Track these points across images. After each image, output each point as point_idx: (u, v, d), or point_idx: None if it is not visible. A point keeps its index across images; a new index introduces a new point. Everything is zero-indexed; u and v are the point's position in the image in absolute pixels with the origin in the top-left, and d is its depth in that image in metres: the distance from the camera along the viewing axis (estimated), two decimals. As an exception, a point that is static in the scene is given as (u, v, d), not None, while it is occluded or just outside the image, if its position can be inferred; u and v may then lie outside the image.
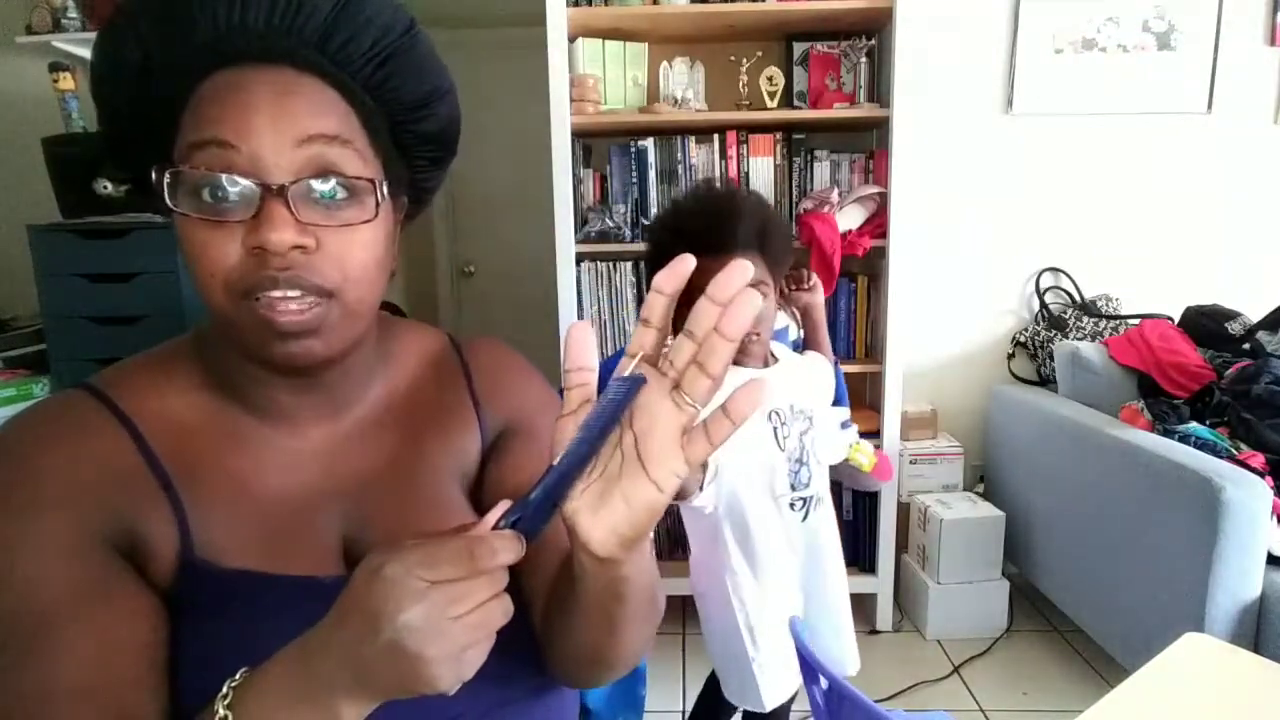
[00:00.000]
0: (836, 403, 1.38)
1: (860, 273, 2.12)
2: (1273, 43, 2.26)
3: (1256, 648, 1.51)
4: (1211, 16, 2.22)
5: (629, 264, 2.05)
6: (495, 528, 0.44)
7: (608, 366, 1.28)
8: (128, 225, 1.91)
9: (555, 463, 0.44)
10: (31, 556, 0.49)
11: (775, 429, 1.21)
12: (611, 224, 2.04)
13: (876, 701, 1.12)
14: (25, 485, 0.51)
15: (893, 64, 1.92)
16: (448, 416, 0.69)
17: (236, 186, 0.50)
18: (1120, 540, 1.77)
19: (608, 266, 2.05)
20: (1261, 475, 1.55)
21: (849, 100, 2.04)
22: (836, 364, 1.41)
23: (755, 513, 1.21)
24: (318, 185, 0.52)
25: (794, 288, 1.36)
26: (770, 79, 2.01)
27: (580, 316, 2.04)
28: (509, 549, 0.43)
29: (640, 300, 2.07)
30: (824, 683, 0.98)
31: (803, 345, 1.41)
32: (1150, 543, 1.67)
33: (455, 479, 0.67)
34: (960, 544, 2.08)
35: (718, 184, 1.24)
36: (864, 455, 1.40)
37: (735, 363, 1.25)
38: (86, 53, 2.27)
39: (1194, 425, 1.77)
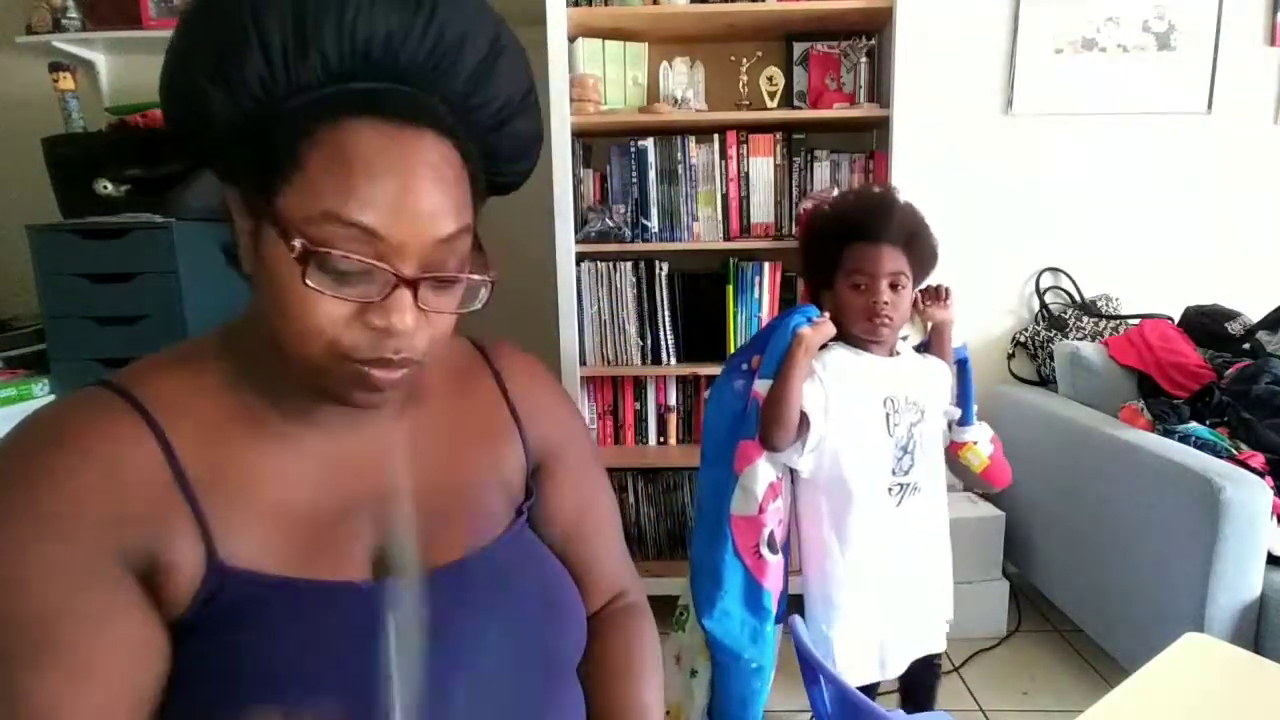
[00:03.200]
0: (964, 404, 1.46)
1: (860, 273, 2.12)
2: (1273, 43, 2.25)
3: (1256, 648, 1.51)
4: (1211, 16, 2.22)
5: (629, 264, 2.05)
6: None
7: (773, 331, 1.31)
8: (128, 225, 1.91)
9: None
10: (43, 575, 0.48)
11: (888, 415, 1.28)
12: (611, 224, 2.04)
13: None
14: (48, 501, 0.49)
15: (893, 64, 1.92)
16: (484, 423, 0.68)
17: (374, 273, 0.50)
18: (1120, 540, 1.77)
19: (608, 266, 2.05)
20: (1261, 475, 1.54)
21: (849, 100, 2.04)
22: (967, 365, 1.46)
23: (856, 492, 1.28)
24: (446, 282, 0.54)
25: (929, 303, 1.38)
26: (770, 79, 2.01)
27: (580, 316, 2.04)
28: None
29: (640, 300, 2.07)
30: (825, 685, 0.98)
31: (925, 350, 1.44)
32: (1150, 543, 1.67)
33: (497, 488, 0.67)
34: (960, 544, 2.07)
35: (877, 187, 1.33)
36: (975, 456, 1.45)
37: (862, 348, 1.29)
38: (87, 53, 2.27)
39: (1194, 425, 1.77)
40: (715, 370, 2.08)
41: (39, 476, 0.49)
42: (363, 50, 0.51)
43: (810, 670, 1.00)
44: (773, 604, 1.33)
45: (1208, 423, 1.80)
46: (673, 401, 2.18)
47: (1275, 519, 1.53)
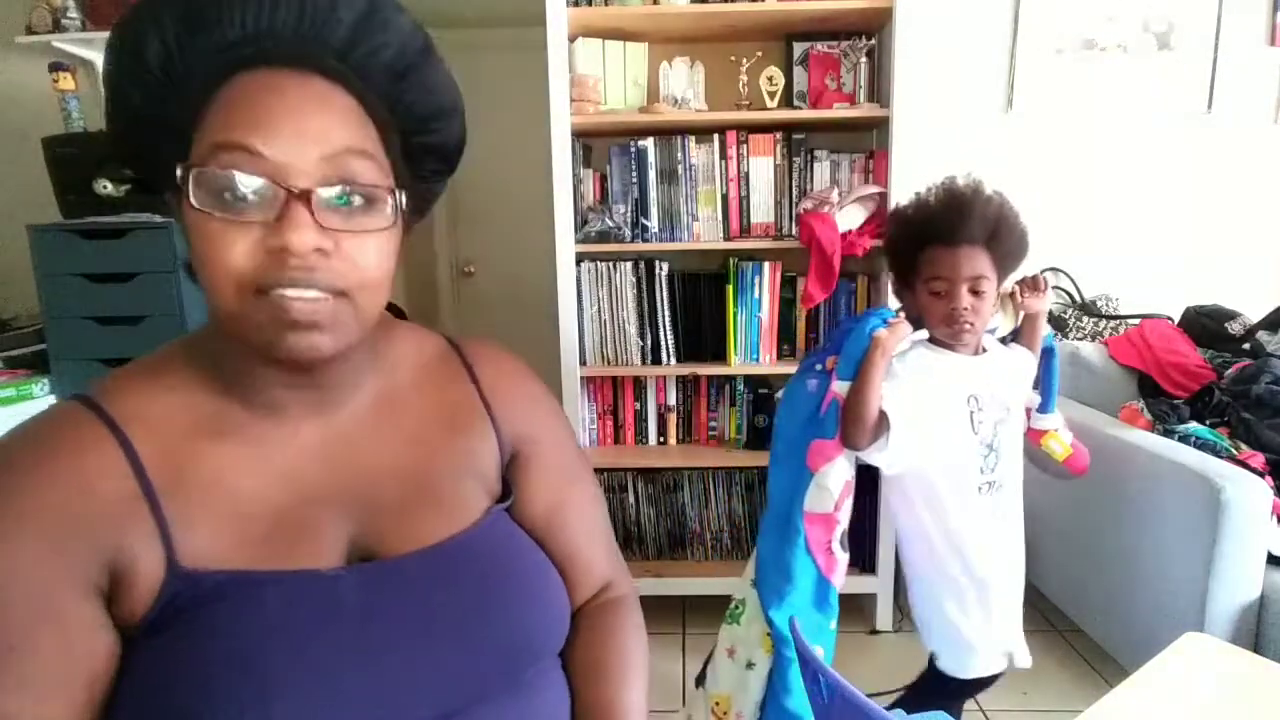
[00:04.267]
0: (1046, 391, 1.41)
1: (860, 272, 2.11)
2: (1273, 43, 2.26)
3: (1256, 648, 1.51)
4: (1211, 16, 2.22)
5: (629, 264, 2.05)
6: None
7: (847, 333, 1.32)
8: (128, 225, 1.91)
9: None
10: (7, 583, 0.50)
11: (971, 413, 1.25)
12: (611, 224, 2.04)
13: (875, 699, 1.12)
14: (14, 512, 0.51)
15: (893, 64, 1.92)
16: (455, 415, 0.69)
17: (260, 188, 0.52)
18: (1120, 540, 1.77)
19: (608, 266, 2.05)
20: (1261, 475, 1.55)
21: (849, 100, 2.04)
22: (1054, 353, 1.43)
23: (944, 490, 1.27)
24: (340, 192, 0.54)
25: (1028, 294, 1.34)
26: (770, 79, 2.01)
27: (580, 316, 2.04)
28: None
29: (640, 300, 2.07)
30: (824, 683, 0.98)
31: (1012, 340, 1.41)
32: (1150, 543, 1.67)
33: (470, 478, 0.68)
34: (960, 544, 2.08)
35: (960, 180, 1.29)
36: (1057, 443, 1.41)
37: (948, 349, 1.27)
38: (86, 53, 2.27)
39: (1194, 425, 1.77)
40: (715, 370, 2.09)
41: (7, 494, 0.52)
42: (240, 24, 0.54)
43: (809, 669, 1.00)
44: (836, 601, 1.33)
45: (1208, 423, 1.80)
46: (673, 401, 2.18)
47: (1275, 519, 1.53)
